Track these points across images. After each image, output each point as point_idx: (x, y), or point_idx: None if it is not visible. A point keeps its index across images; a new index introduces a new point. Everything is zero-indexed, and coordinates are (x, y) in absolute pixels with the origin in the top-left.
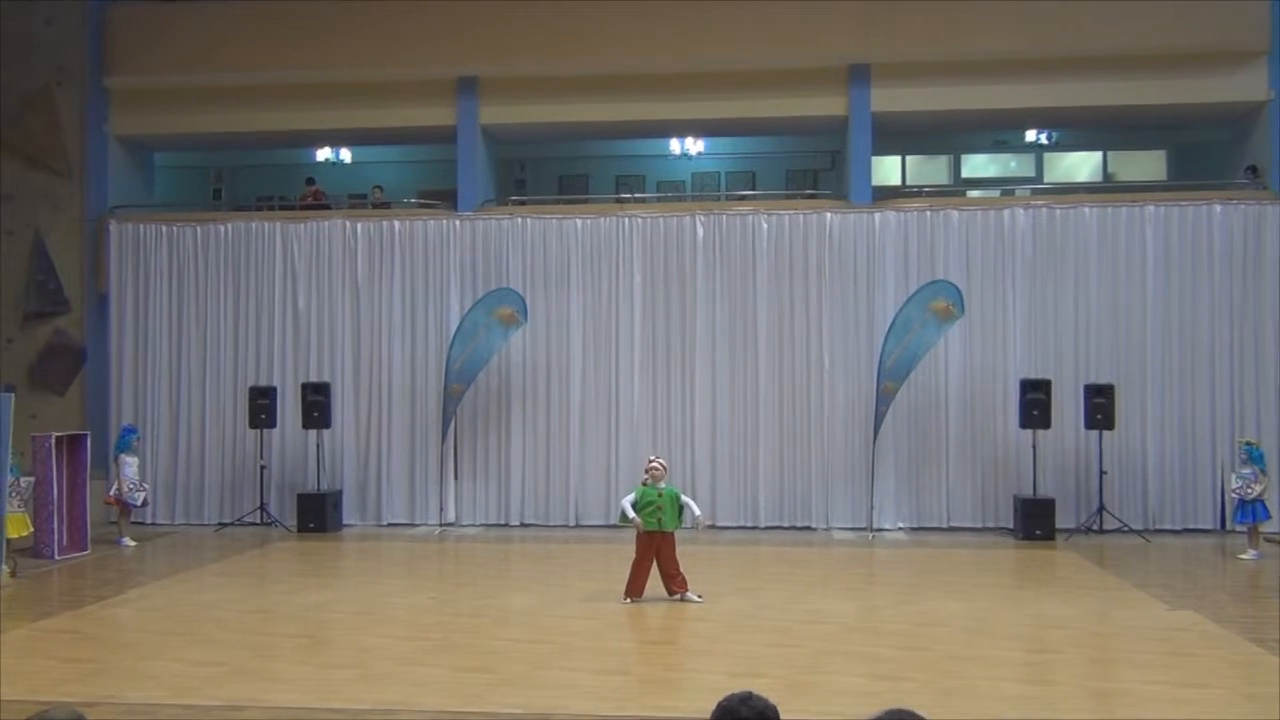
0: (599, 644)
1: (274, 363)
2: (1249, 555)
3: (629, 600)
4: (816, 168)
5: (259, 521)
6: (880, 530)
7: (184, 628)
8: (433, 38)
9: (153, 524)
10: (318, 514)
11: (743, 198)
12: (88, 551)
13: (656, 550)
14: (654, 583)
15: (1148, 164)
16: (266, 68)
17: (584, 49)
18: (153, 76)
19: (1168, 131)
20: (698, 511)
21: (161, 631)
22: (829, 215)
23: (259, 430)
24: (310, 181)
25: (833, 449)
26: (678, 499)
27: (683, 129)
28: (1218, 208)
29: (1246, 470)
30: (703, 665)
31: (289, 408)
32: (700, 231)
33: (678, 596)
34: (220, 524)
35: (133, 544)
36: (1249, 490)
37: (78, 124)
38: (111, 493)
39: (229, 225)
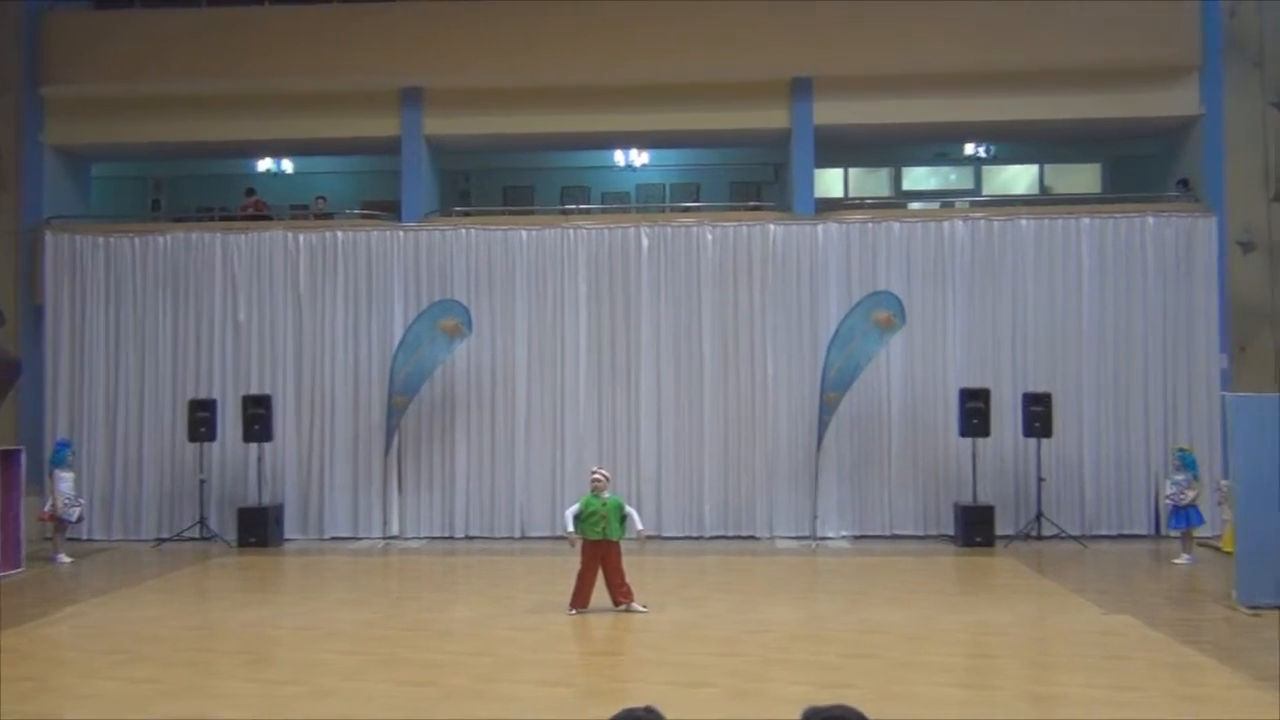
0: (544, 656)
1: (214, 375)
2: (1183, 560)
3: (574, 611)
4: (760, 180)
5: (198, 537)
6: (824, 539)
7: (122, 646)
8: (377, 48)
9: (89, 540)
10: (259, 528)
11: (687, 209)
12: (21, 569)
13: (602, 560)
14: (601, 594)
15: (1083, 177)
16: (207, 76)
17: (529, 61)
18: (90, 85)
19: (1103, 145)
20: (639, 525)
21: (99, 650)
22: (772, 227)
23: (199, 444)
24: (251, 192)
25: (777, 458)
26: (621, 508)
27: (627, 141)
28: (1151, 220)
29: (1180, 476)
30: (648, 676)
31: (229, 421)
32: (645, 243)
33: (623, 607)
34: (159, 539)
35: (68, 561)
36: (1182, 496)
37: (12, 133)
38: (46, 508)
39: (168, 236)
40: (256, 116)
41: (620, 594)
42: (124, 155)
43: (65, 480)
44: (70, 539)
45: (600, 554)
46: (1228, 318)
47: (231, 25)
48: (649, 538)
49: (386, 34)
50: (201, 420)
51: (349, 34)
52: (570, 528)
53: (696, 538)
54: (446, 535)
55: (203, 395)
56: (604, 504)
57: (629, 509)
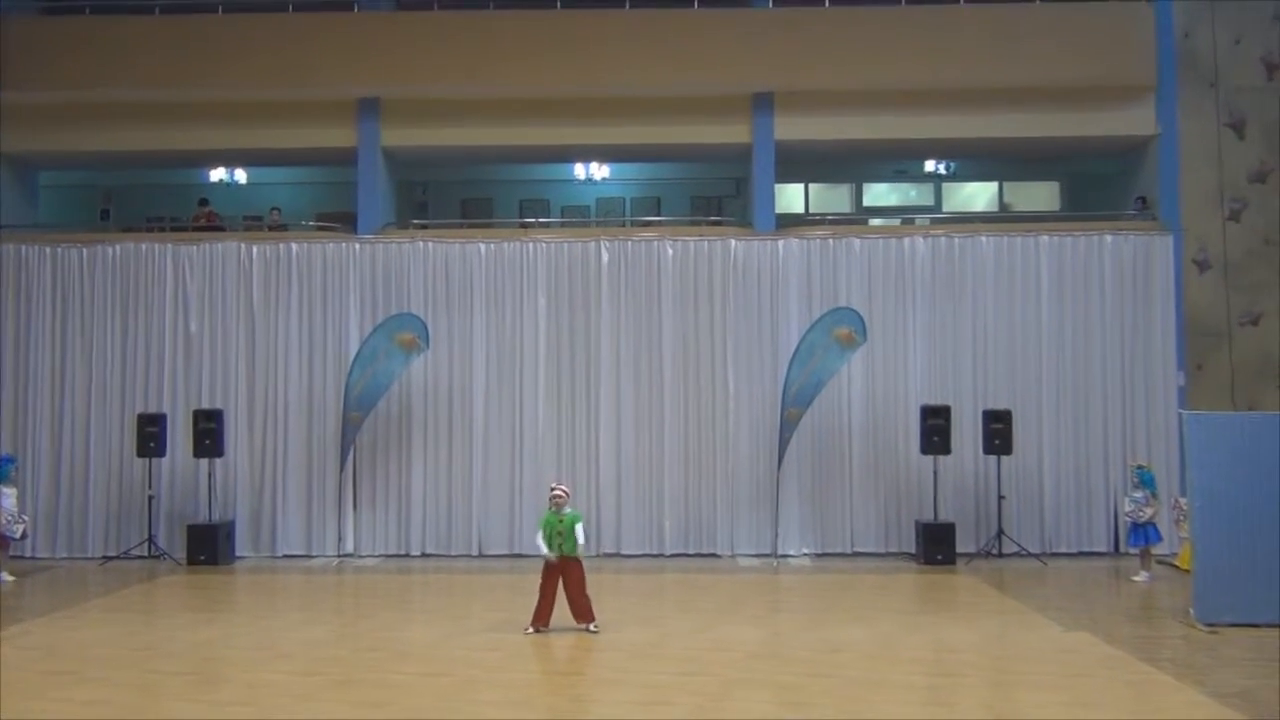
0: (503, 676)
1: (164, 389)
2: (1141, 577)
3: (532, 630)
4: (721, 194)
5: (146, 554)
6: (785, 556)
7: (67, 666)
8: (333, 58)
9: (32, 558)
10: (209, 546)
11: (648, 223)
12: None
13: (563, 577)
14: (561, 614)
15: (1042, 194)
16: (160, 85)
17: (488, 72)
18: (39, 92)
19: (1061, 163)
20: (581, 540)
21: (43, 670)
22: (733, 242)
23: (147, 459)
24: (204, 202)
25: (737, 475)
26: (576, 525)
27: (587, 154)
28: (1109, 238)
29: (1138, 494)
30: (610, 696)
31: (179, 435)
32: (605, 256)
33: (583, 626)
34: (105, 557)
35: (11, 579)
36: (1141, 514)
37: None
38: None
39: (117, 247)
40: (210, 126)
41: (580, 613)
42: (73, 164)
43: (8, 496)
44: (13, 557)
45: (559, 571)
46: (1184, 335)
47: (186, 33)
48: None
49: (343, 44)
50: (150, 435)
51: (305, 43)
52: (545, 549)
53: (656, 555)
54: (402, 553)
55: (152, 409)
56: (562, 520)
57: (579, 527)
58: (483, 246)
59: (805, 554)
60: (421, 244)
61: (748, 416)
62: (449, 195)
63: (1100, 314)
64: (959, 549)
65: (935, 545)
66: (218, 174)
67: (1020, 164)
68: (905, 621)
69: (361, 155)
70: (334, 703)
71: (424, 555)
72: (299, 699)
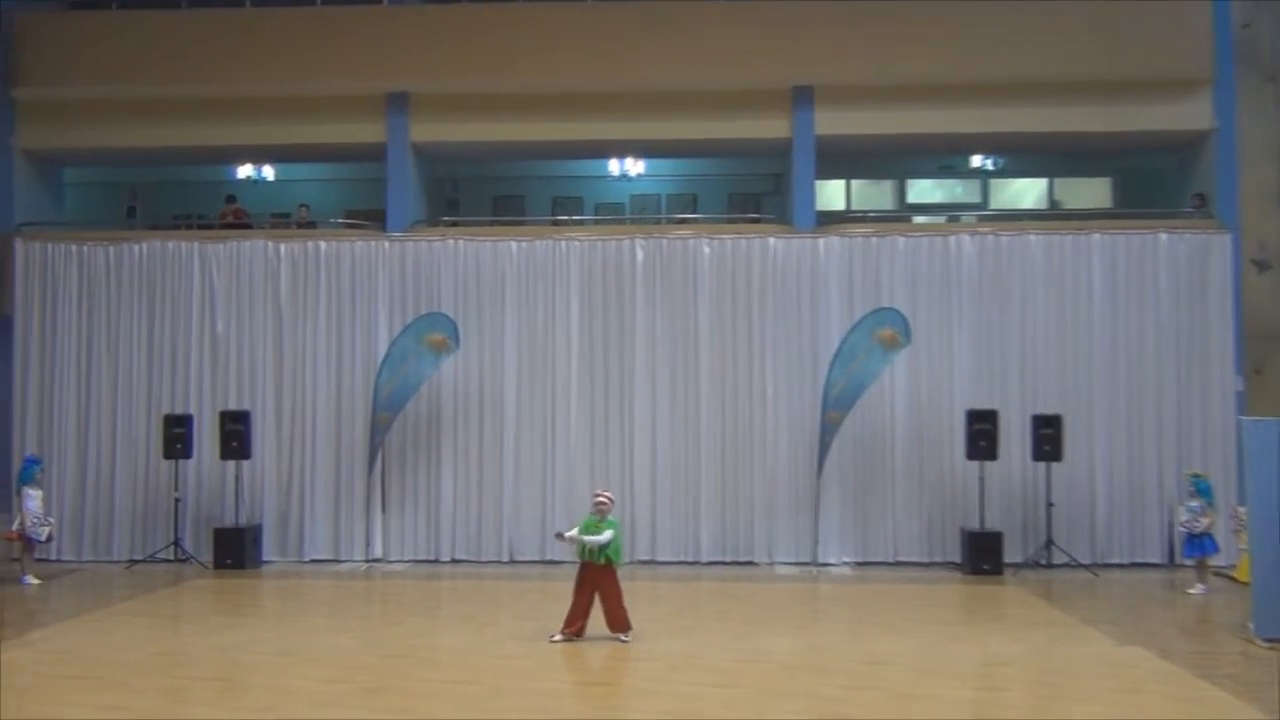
0: (533, 685)
1: (190, 390)
2: (1197, 590)
3: (559, 638)
4: (759, 191)
5: (173, 558)
6: (825, 565)
7: (90, 671)
8: (362, 51)
9: (58, 561)
10: (236, 550)
11: (683, 221)
12: None
13: (596, 585)
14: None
15: (1093, 191)
16: (186, 80)
17: (520, 65)
18: (63, 88)
19: (1113, 159)
20: (602, 538)
21: (66, 675)
22: (772, 240)
23: (174, 461)
24: (231, 199)
25: (776, 481)
26: (608, 529)
27: (622, 149)
28: (1164, 236)
29: (1194, 503)
30: (642, 707)
31: (206, 437)
32: (640, 255)
33: (616, 636)
34: (131, 561)
35: (36, 582)
36: (1196, 524)
37: None
38: (14, 527)
39: (144, 245)
40: (237, 121)
41: (617, 623)
42: (99, 160)
43: (33, 498)
44: (38, 559)
45: (592, 577)
46: (1242, 338)
47: (212, 27)
48: (560, 536)
49: (372, 37)
50: (177, 436)
51: (333, 37)
52: (571, 533)
53: (692, 563)
54: (431, 558)
55: (178, 410)
56: (600, 528)
57: (609, 534)
58: (514, 244)
59: (846, 563)
60: (452, 242)
61: (787, 420)
62: (480, 192)
63: (1155, 315)
64: (1006, 559)
65: (981, 555)
66: (245, 170)
67: (1071, 159)
68: (949, 633)
69: (391, 151)
70: (361, 710)
71: (453, 561)
72: (325, 706)
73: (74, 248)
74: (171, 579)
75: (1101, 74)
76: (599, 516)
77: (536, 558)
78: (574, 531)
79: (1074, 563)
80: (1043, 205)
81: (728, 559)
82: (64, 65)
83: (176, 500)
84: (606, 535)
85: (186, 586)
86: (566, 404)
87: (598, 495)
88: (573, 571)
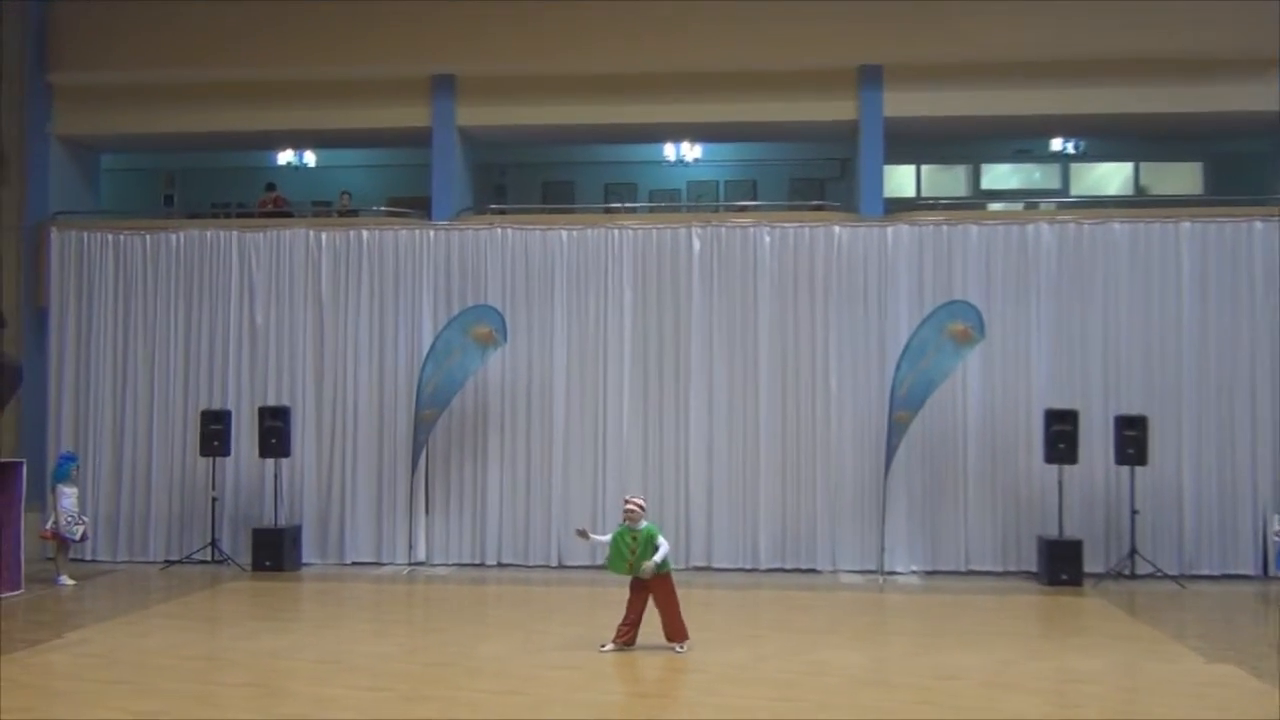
0: (581, 696)
1: (228, 385)
2: None
3: (611, 647)
4: (824, 177)
5: (210, 559)
6: (892, 574)
7: (125, 675)
8: (406, 32)
9: (93, 561)
10: (274, 551)
11: (743, 209)
12: (21, 591)
13: (651, 595)
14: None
15: (1182, 176)
16: (225, 63)
17: (571, 46)
18: (100, 73)
19: (1204, 141)
20: (654, 560)
21: (101, 680)
22: (837, 229)
23: (211, 459)
24: (270, 187)
25: (840, 484)
26: (654, 540)
27: (678, 133)
28: (1258, 224)
29: None
30: None
31: (244, 434)
32: (696, 245)
33: (676, 647)
34: (167, 562)
35: (71, 583)
36: None
37: (17, 123)
38: (48, 526)
39: (181, 234)
40: (277, 106)
41: (674, 633)
42: (136, 147)
43: (68, 496)
44: (73, 559)
45: (647, 586)
46: None
47: (251, 9)
48: (581, 532)
49: (417, 17)
50: (214, 433)
51: (376, 17)
52: (592, 535)
53: (750, 570)
54: (477, 562)
55: (216, 406)
56: (636, 537)
57: (661, 540)
58: (565, 234)
59: (914, 571)
60: (499, 231)
61: (852, 420)
62: (529, 178)
63: (1249, 308)
64: (1086, 569)
65: (1060, 564)
66: (285, 156)
67: (1158, 142)
68: (1025, 648)
69: (436, 136)
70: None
71: (499, 565)
72: (365, 715)
73: (110, 237)
74: (208, 581)
75: (1190, 51)
76: (631, 524)
77: (586, 562)
78: (604, 538)
79: (1159, 573)
80: (1128, 191)
81: (788, 566)
82: (102, 49)
83: (214, 499)
84: (662, 549)
85: (223, 589)
86: (619, 401)
87: (628, 502)
88: (624, 577)
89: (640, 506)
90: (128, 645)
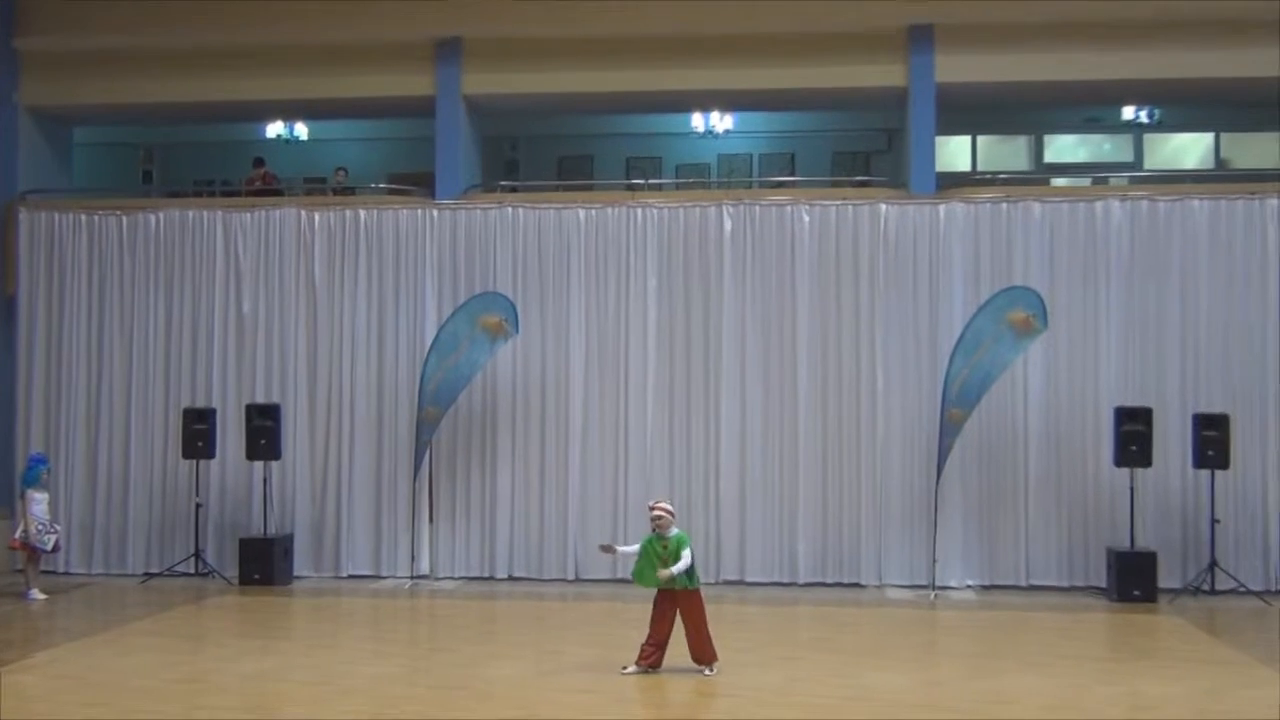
0: None
1: (213, 380)
2: None
3: (634, 669)
4: (869, 149)
5: (193, 571)
6: (944, 589)
7: (102, 699)
8: None
9: (66, 573)
10: (264, 563)
11: (779, 184)
12: None
13: (679, 611)
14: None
15: (1267, 148)
16: (208, 27)
17: (588, 6)
18: (72, 37)
19: None
20: (677, 569)
21: (75, 703)
22: (884, 206)
23: (194, 461)
24: (259, 163)
25: (887, 490)
26: (684, 548)
27: (707, 102)
28: None
29: None
30: None
31: (231, 434)
32: (728, 225)
33: (704, 669)
34: (147, 574)
35: (42, 597)
36: None
37: None
38: (17, 535)
39: (161, 214)
40: (265, 74)
41: (701, 654)
42: (111, 119)
43: (39, 502)
44: (44, 571)
45: (674, 603)
46: None
47: None
48: (607, 548)
49: None
50: (198, 433)
51: None
52: (620, 548)
53: (788, 584)
54: (485, 575)
55: (200, 404)
56: (665, 545)
57: (687, 550)
58: (582, 213)
59: (969, 586)
60: (510, 210)
61: (900, 419)
62: (543, 152)
63: None
64: (1161, 584)
65: (1131, 578)
66: (275, 129)
67: (1241, 111)
68: (1093, 671)
69: (440, 105)
70: None
71: (510, 578)
72: None
73: (84, 217)
74: (192, 595)
75: (1276, 10)
76: (661, 532)
77: (606, 576)
78: (631, 548)
79: (1242, 589)
80: (1208, 165)
81: (829, 580)
82: (74, 12)
83: (198, 506)
84: (687, 557)
85: (209, 604)
86: (641, 398)
87: (655, 509)
88: (648, 592)
89: (669, 512)
90: (104, 666)
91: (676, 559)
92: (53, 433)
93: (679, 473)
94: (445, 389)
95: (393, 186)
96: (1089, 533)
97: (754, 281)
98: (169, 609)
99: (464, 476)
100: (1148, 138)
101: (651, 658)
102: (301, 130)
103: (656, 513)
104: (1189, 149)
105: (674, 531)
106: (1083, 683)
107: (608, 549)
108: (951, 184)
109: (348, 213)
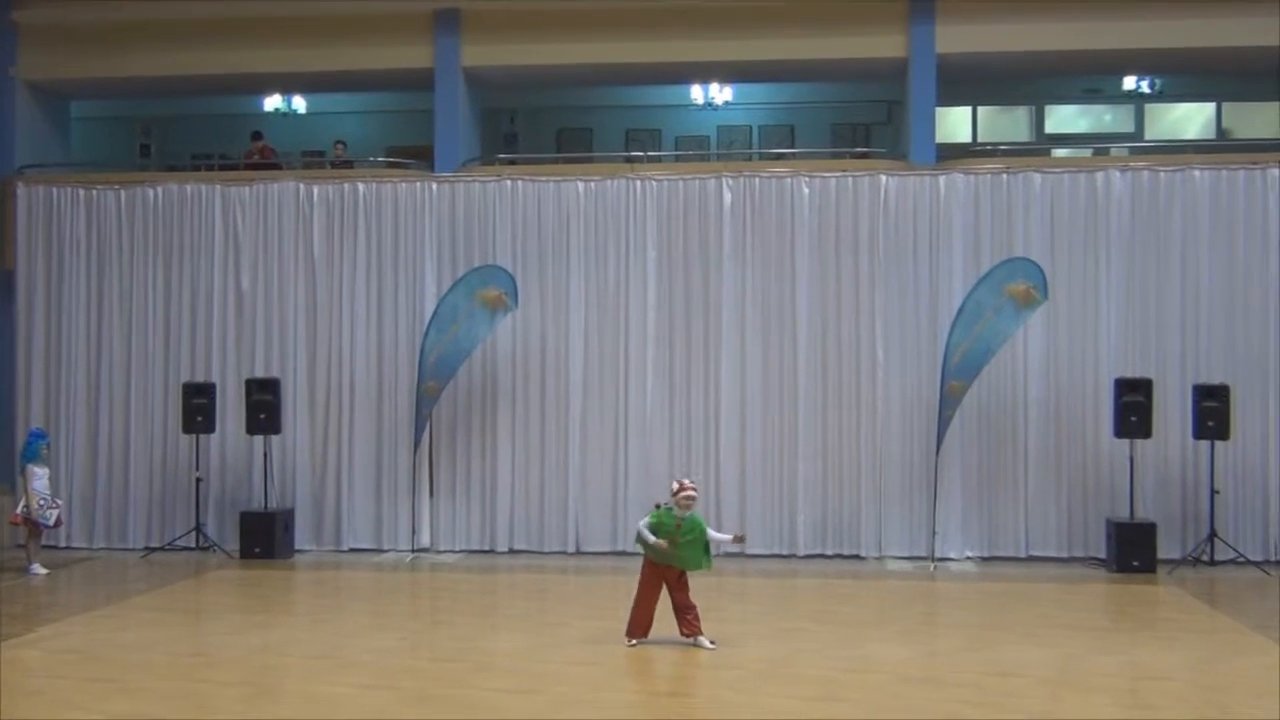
0: (602, 695)
1: (212, 355)
2: None
3: (633, 642)
4: (869, 121)
5: (194, 545)
6: (944, 560)
7: (104, 673)
8: None
9: (68, 548)
10: (264, 537)
11: (779, 156)
12: None
13: (666, 581)
14: (662, 624)
15: (1269, 118)
16: (205, 1)
17: None
18: (70, 9)
19: None
20: (726, 537)
21: (78, 678)
22: (884, 178)
23: (194, 436)
24: (257, 136)
25: (887, 462)
26: (703, 533)
27: (707, 73)
28: None
29: None
30: None
31: (230, 409)
32: (728, 197)
33: (690, 639)
34: (148, 549)
35: (44, 572)
36: None
37: None
38: (18, 510)
39: (159, 188)
40: (263, 46)
41: (687, 623)
42: (109, 92)
43: (40, 477)
44: (46, 546)
45: (663, 574)
46: None
47: None
48: (740, 538)
49: None
50: (198, 408)
51: None
52: (651, 539)
53: (788, 556)
54: (486, 548)
55: (199, 378)
56: (679, 525)
57: (712, 532)
58: (581, 185)
59: (969, 558)
60: (509, 183)
61: (899, 391)
62: (542, 125)
63: None
64: (1160, 554)
65: (1131, 549)
66: (273, 102)
67: (1243, 80)
68: (1093, 642)
69: (439, 78)
70: None
71: (511, 551)
72: (365, 716)
73: (82, 192)
74: (193, 569)
75: None
76: (683, 513)
77: (606, 548)
78: (654, 540)
79: (1242, 559)
80: (1209, 135)
81: (829, 552)
82: None
83: (198, 480)
84: (715, 536)
85: (209, 578)
86: (642, 371)
87: (686, 489)
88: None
89: (695, 494)
90: (106, 641)
91: (691, 536)
92: (53, 408)
93: (679, 444)
94: (445, 362)
95: (391, 160)
96: (1089, 504)
97: (754, 254)
98: (170, 583)
99: (464, 449)
100: (1149, 108)
101: (641, 627)
102: (300, 103)
103: (688, 493)
104: (1190, 119)
105: (689, 512)
106: (1082, 653)
107: (739, 539)
108: (952, 155)
109: (346, 186)
